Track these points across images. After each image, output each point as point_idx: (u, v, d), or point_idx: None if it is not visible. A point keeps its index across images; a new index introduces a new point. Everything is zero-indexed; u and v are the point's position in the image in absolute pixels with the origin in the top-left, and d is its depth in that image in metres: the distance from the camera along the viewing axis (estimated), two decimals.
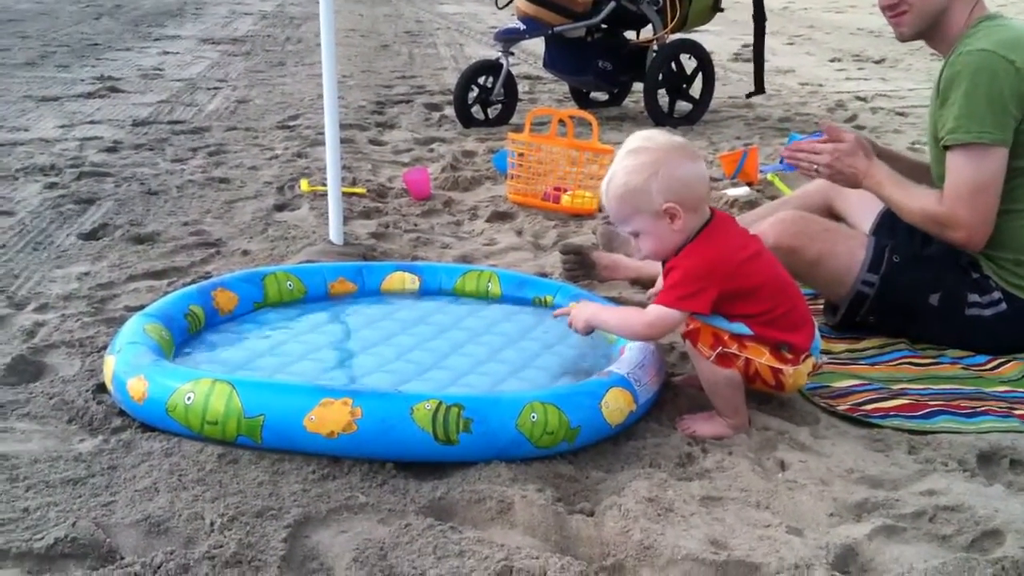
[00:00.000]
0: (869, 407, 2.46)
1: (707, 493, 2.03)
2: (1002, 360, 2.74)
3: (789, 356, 2.30)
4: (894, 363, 2.75)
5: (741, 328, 2.25)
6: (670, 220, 2.22)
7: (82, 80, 7.43)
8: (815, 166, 2.81)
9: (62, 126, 5.78)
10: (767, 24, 6.29)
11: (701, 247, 2.25)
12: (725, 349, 2.25)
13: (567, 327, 2.52)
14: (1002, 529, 1.89)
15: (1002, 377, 2.66)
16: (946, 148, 2.65)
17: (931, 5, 2.71)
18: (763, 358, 2.28)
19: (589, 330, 2.48)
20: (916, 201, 2.72)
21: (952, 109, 2.62)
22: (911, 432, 2.34)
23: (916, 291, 2.77)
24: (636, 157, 2.24)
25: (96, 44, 9.65)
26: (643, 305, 3.00)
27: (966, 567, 1.77)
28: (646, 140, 2.27)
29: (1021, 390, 2.58)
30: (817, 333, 2.38)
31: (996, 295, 2.73)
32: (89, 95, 6.81)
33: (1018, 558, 1.79)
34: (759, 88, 6.40)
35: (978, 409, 2.45)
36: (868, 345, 2.86)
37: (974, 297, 2.74)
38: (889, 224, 2.93)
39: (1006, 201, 2.67)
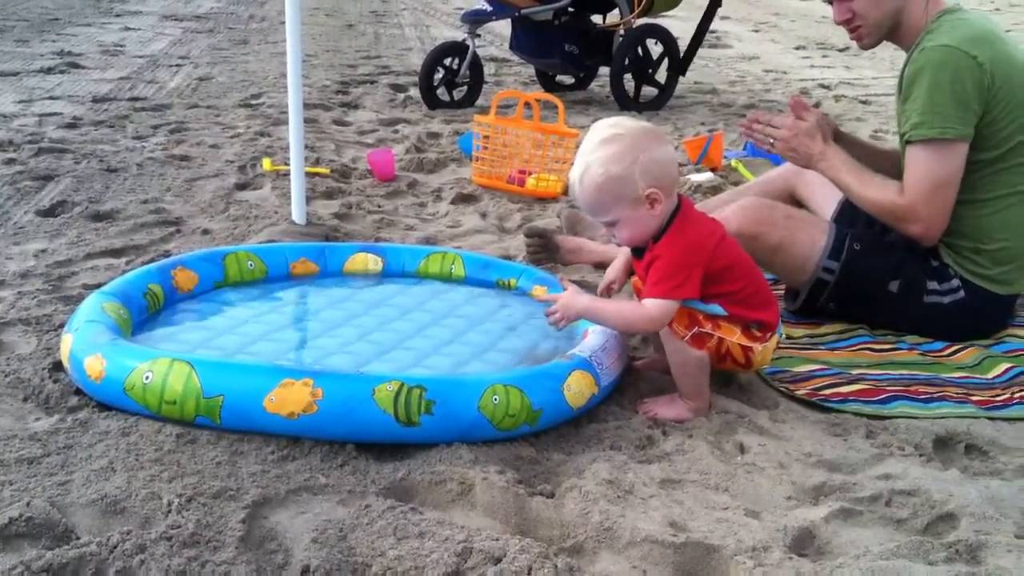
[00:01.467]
0: (828, 392, 2.48)
1: (667, 476, 2.04)
2: (960, 347, 2.78)
3: (758, 334, 2.34)
4: (853, 348, 2.78)
5: (716, 309, 2.28)
6: (650, 205, 2.22)
7: (41, 55, 7.32)
8: (770, 139, 2.83)
9: (21, 101, 5.69)
10: (719, 10, 6.31)
11: (679, 233, 2.25)
12: (700, 329, 2.27)
13: (530, 312, 2.50)
14: (956, 513, 1.92)
15: (959, 363, 2.69)
16: (908, 143, 2.67)
17: (884, 14, 2.72)
18: (735, 337, 2.31)
19: (574, 320, 2.39)
20: (872, 190, 2.73)
21: (915, 104, 2.63)
22: (869, 417, 2.37)
23: (876, 278, 2.79)
24: (612, 145, 2.20)
25: (56, 19, 9.50)
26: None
27: (920, 550, 1.79)
28: (617, 127, 2.25)
29: (977, 376, 2.61)
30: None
31: (955, 283, 2.76)
32: (49, 70, 6.71)
33: (971, 541, 1.81)
34: (681, 70, 6.38)
35: (935, 395, 2.48)
36: (828, 330, 2.89)
37: (933, 285, 2.77)
38: (850, 211, 2.95)
39: (967, 191, 2.69)
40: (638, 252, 2.34)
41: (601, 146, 2.22)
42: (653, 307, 2.24)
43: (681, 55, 6.31)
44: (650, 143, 2.22)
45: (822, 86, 7.26)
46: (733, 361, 2.35)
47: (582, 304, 2.34)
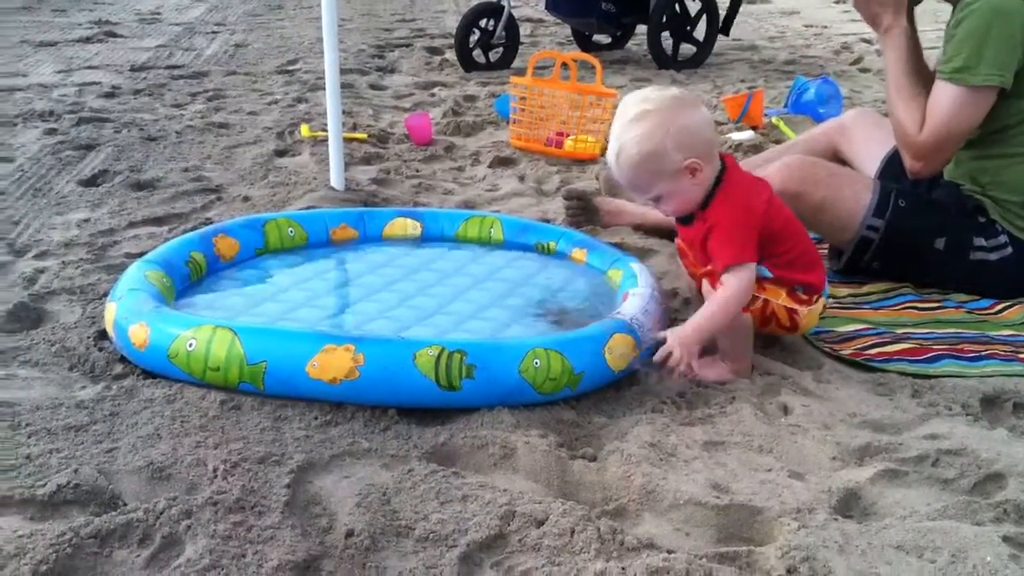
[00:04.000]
0: (873, 351, 2.45)
1: (709, 438, 2.02)
2: (1007, 304, 2.73)
3: (804, 297, 2.32)
4: (898, 307, 2.74)
5: (762, 270, 2.26)
6: (691, 175, 2.19)
7: (79, 25, 7.36)
8: None
9: (60, 71, 5.73)
10: None
11: (730, 197, 2.22)
12: None
13: (570, 275, 2.48)
14: (1004, 473, 1.89)
15: (1007, 321, 2.65)
16: (941, 78, 2.61)
17: None
18: (780, 299, 2.30)
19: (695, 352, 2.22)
20: (900, 107, 2.70)
21: (957, 46, 2.56)
22: (914, 376, 2.34)
23: (921, 236, 2.75)
24: (642, 123, 2.16)
25: None
26: (646, 249, 3.00)
27: (968, 510, 1.77)
28: (645, 102, 2.20)
29: None
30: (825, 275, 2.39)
31: (1002, 239, 2.71)
32: (87, 40, 6.75)
33: (1020, 501, 1.79)
34: (724, 30, 6.30)
35: (982, 353, 2.44)
36: (872, 289, 2.85)
37: (979, 241, 2.72)
38: (895, 168, 2.90)
39: (1015, 146, 2.64)
40: (685, 219, 2.31)
41: (631, 125, 2.18)
42: (735, 278, 2.19)
43: (723, 14, 6.23)
44: (680, 112, 2.18)
45: (864, 40, 7.12)
46: (778, 324, 2.33)
47: (691, 330, 2.19)
